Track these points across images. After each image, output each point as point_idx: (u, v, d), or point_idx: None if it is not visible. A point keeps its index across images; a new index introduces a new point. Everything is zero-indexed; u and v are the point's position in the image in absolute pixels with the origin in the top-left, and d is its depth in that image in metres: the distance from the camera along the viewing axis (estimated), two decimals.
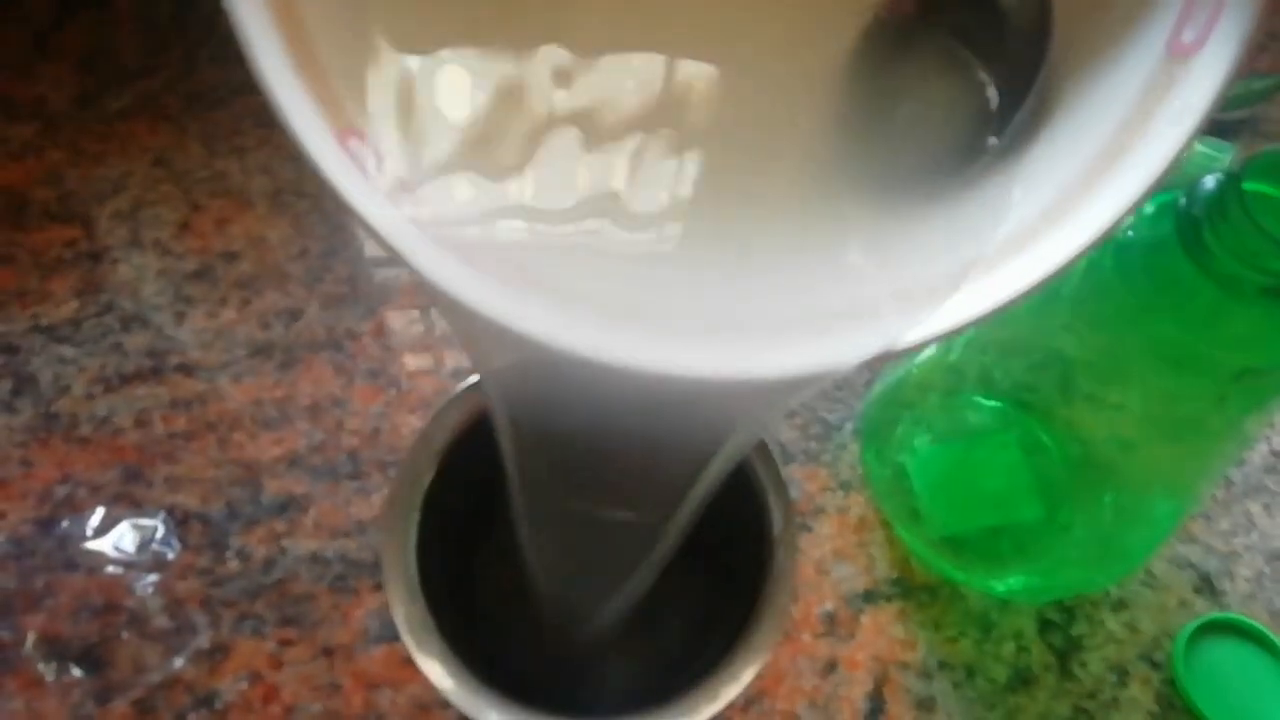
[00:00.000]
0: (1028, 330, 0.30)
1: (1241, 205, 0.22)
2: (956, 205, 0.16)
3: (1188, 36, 0.15)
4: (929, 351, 0.35)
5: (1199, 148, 0.45)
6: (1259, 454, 0.41)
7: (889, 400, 0.37)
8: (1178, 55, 0.15)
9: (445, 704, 0.34)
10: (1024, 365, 0.31)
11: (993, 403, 0.33)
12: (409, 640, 0.24)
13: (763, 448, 0.27)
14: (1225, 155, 0.44)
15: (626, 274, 0.15)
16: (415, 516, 0.26)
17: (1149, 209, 0.26)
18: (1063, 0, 0.17)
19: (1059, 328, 0.28)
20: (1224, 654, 0.37)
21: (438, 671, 0.24)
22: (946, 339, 0.15)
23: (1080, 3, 0.17)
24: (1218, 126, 0.50)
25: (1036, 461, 0.33)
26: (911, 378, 0.35)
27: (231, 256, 0.42)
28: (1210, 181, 0.24)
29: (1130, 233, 0.26)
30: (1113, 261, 0.26)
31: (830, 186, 0.16)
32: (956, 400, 0.34)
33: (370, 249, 0.43)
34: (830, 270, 0.15)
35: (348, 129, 0.15)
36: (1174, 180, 0.49)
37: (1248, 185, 0.22)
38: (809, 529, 0.38)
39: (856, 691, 0.35)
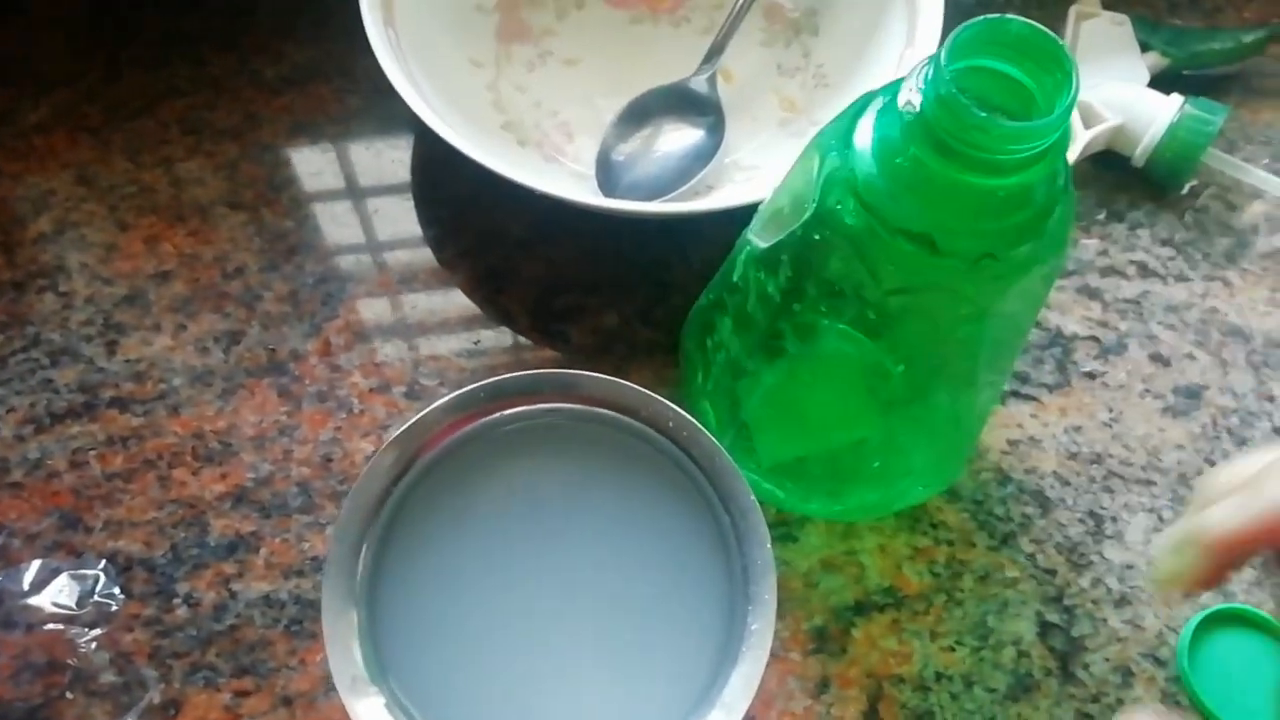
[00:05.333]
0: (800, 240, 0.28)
1: (953, 87, 0.22)
2: None
3: None
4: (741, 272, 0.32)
5: (1189, 109, 0.43)
6: (1260, 431, 0.40)
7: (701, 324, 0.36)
8: None
9: None
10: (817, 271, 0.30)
11: (809, 318, 0.31)
12: (346, 698, 0.23)
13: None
14: (1218, 117, 0.43)
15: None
16: (361, 558, 0.25)
17: (884, 100, 0.25)
18: None
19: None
20: (1231, 647, 0.36)
21: None
22: None
23: None
24: (1208, 84, 0.48)
25: (866, 373, 0.31)
26: (722, 302, 0.34)
27: (164, 277, 0.40)
28: (926, 72, 0.23)
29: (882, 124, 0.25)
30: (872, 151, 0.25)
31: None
32: (769, 325, 0.32)
33: (312, 261, 0.41)
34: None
35: None
36: (1164, 141, 0.47)
37: (952, 66, 0.22)
38: (794, 540, 0.37)
39: (851, 710, 0.34)
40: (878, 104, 0.25)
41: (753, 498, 0.24)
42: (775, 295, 0.29)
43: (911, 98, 0.23)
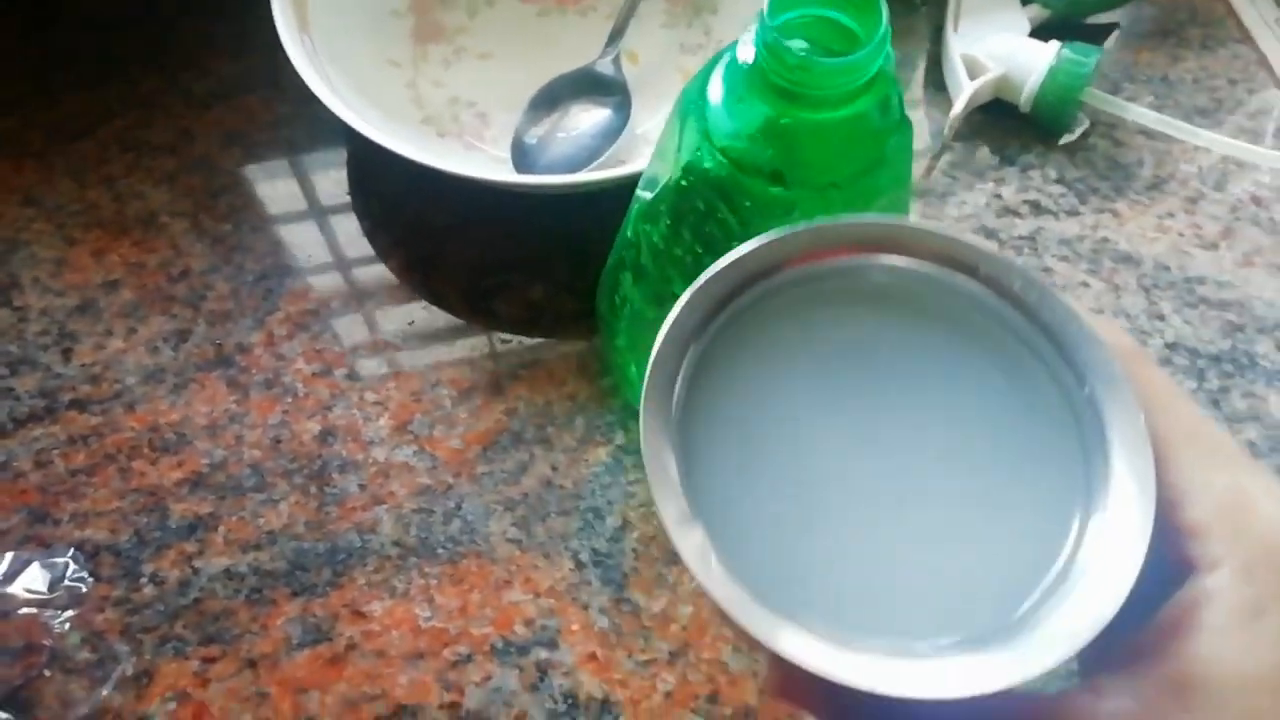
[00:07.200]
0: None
1: (776, 35, 0.25)
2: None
3: None
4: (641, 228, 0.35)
5: (1066, 53, 0.47)
6: (1154, 346, 0.44)
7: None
8: None
9: (374, 697, 0.36)
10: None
11: (690, 261, 0.33)
12: (674, 534, 0.21)
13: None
14: (1091, 59, 0.47)
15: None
16: (675, 395, 0.22)
17: (729, 57, 0.28)
18: None
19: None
20: None
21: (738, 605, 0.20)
22: None
23: None
24: (1091, 31, 0.52)
25: None
26: (622, 260, 0.37)
27: (113, 286, 0.43)
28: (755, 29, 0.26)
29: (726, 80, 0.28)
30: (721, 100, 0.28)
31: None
32: (660, 273, 0.35)
33: (251, 260, 0.44)
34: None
35: None
36: (1045, 85, 0.50)
37: (777, 20, 0.25)
38: None
39: None
40: (725, 60, 0.29)
41: (1119, 368, 0.22)
42: (660, 243, 0.32)
43: (747, 50, 0.27)
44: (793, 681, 0.22)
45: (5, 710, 0.35)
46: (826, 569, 0.22)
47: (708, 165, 0.29)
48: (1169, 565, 0.21)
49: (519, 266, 0.45)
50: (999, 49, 0.48)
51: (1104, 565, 0.21)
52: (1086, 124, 0.50)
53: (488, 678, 0.36)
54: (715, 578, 0.20)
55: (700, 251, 0.31)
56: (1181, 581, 0.21)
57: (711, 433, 0.23)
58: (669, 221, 0.31)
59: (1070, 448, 0.22)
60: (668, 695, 0.36)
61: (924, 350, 0.23)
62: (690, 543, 0.21)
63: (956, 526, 0.22)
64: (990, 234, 0.46)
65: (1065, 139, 0.49)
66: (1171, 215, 0.47)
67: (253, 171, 0.47)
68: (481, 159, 0.46)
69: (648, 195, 0.33)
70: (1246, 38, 0.53)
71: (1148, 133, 0.49)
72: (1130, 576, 0.20)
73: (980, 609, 0.21)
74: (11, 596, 0.37)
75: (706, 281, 0.22)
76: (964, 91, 0.47)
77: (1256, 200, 0.48)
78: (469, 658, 0.36)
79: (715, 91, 0.29)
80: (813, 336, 0.24)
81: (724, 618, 0.20)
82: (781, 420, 0.23)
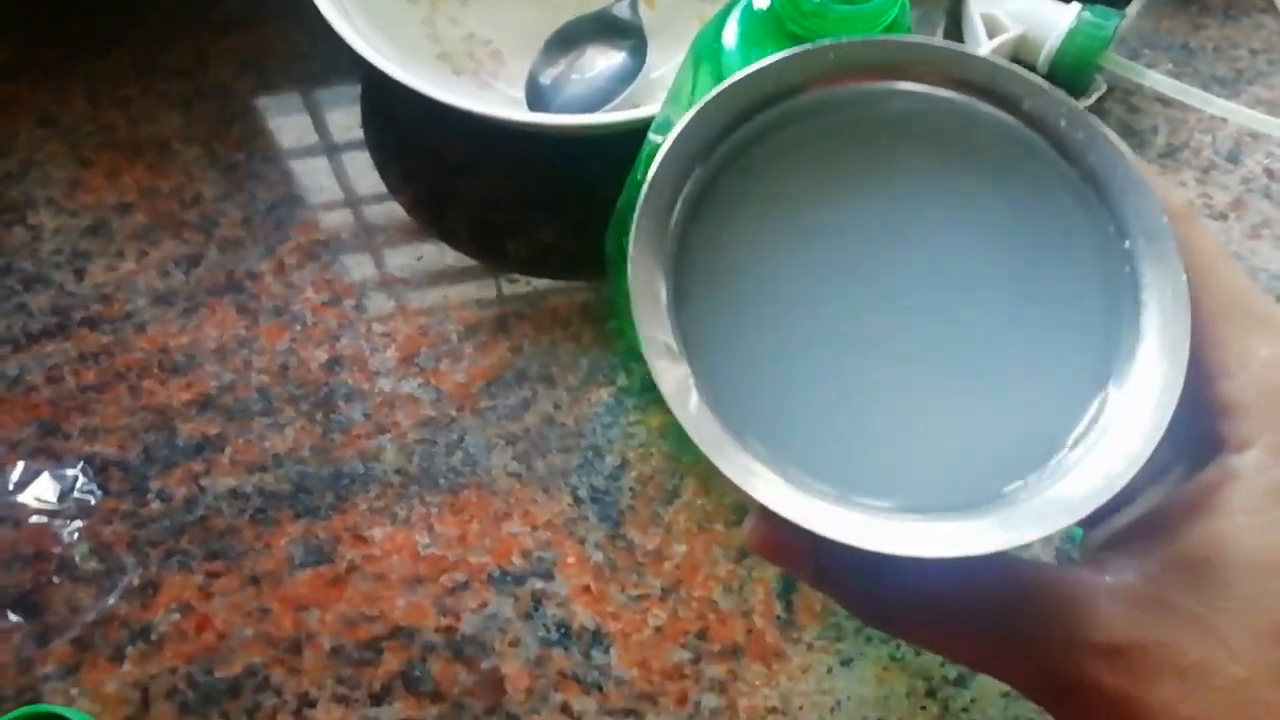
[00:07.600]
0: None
1: None
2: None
3: None
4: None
5: (1085, 15, 0.47)
6: None
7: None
8: None
9: (373, 618, 0.37)
10: None
11: None
12: (654, 364, 0.19)
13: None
14: (1111, 22, 0.47)
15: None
16: (673, 220, 0.20)
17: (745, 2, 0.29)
18: None
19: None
20: None
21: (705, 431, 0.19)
22: None
23: None
24: None
25: None
26: (631, 201, 0.37)
27: (126, 208, 0.44)
28: None
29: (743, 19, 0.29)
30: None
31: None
32: None
33: (264, 189, 0.45)
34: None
35: None
36: (1063, 47, 0.50)
37: None
38: None
39: (770, 571, 0.38)
40: (740, 6, 0.29)
41: (1165, 220, 0.20)
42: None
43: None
44: (774, 536, 0.21)
45: (16, 613, 0.37)
46: (819, 420, 0.20)
47: None
48: (1195, 443, 0.20)
49: (529, 207, 0.45)
50: (1019, 8, 0.48)
51: (1117, 439, 0.19)
52: (1103, 88, 0.50)
53: (483, 604, 0.37)
54: (692, 415, 0.19)
55: None
56: (1205, 462, 0.20)
57: (707, 264, 0.21)
58: None
59: (1099, 307, 0.20)
60: (658, 630, 0.37)
61: (947, 192, 0.21)
62: (670, 377, 0.19)
63: (964, 386, 0.20)
64: None
65: (1081, 103, 0.49)
66: (1183, 184, 0.48)
67: (266, 101, 0.47)
68: (496, 97, 0.46)
69: (659, 139, 0.33)
70: (1271, 8, 0.53)
71: (1164, 100, 0.49)
72: (1143, 453, 0.19)
73: (979, 472, 0.20)
74: (23, 505, 0.38)
75: (720, 94, 0.20)
76: (983, 49, 0.47)
77: (1269, 173, 0.48)
78: (466, 585, 0.38)
79: (730, 37, 0.29)
80: (829, 171, 0.21)
81: (701, 458, 0.19)
82: (784, 259, 0.21)
